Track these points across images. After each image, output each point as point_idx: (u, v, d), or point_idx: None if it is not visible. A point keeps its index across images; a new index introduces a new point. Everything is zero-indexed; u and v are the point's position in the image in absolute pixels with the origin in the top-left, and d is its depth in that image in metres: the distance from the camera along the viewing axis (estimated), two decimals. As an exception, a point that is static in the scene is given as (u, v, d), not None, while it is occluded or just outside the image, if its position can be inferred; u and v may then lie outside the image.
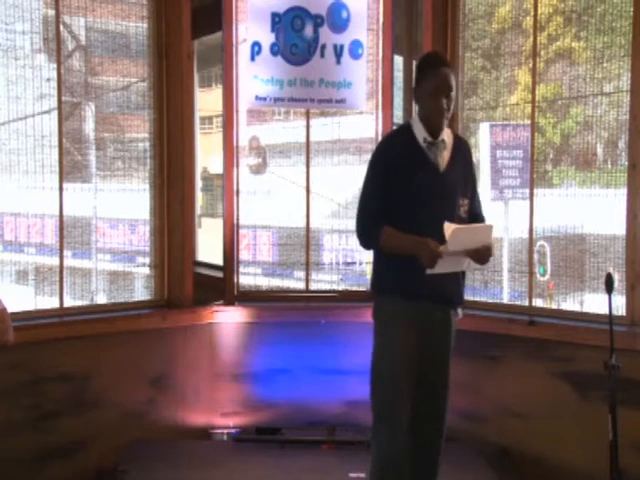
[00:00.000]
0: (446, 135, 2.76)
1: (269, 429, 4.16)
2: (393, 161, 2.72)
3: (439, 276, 2.62)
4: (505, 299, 4.22)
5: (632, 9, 3.58)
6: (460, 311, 2.86)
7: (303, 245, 4.45)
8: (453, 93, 2.71)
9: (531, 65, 3.95)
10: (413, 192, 2.68)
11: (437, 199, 2.70)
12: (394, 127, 4.40)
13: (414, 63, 4.43)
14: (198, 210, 4.43)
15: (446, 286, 2.72)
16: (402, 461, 2.71)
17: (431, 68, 2.71)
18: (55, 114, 3.88)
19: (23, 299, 3.96)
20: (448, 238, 2.56)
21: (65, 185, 3.92)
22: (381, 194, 2.72)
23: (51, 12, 3.88)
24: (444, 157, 2.74)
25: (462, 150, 2.83)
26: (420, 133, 2.73)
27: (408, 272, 2.68)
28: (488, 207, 4.48)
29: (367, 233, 2.76)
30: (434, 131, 2.73)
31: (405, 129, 2.80)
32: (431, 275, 2.61)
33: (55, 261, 3.95)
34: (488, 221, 2.90)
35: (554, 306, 4.05)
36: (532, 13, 3.94)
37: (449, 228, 2.57)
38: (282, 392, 4.21)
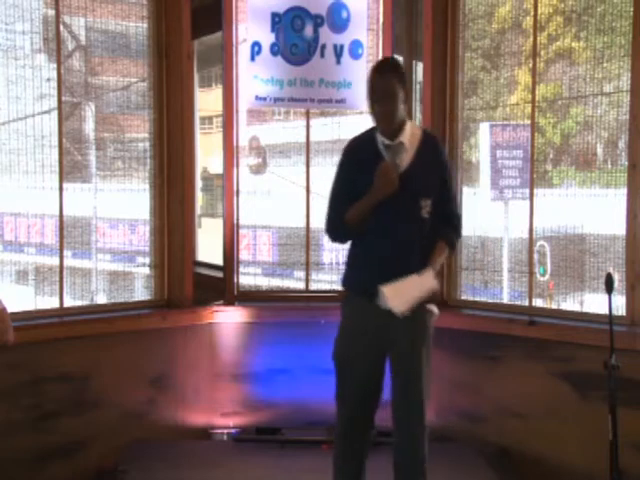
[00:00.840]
0: (407, 137, 2.76)
1: (269, 429, 4.16)
2: (354, 164, 2.83)
3: (399, 274, 2.67)
4: (505, 299, 4.22)
5: (632, 9, 3.58)
6: (434, 308, 2.83)
7: (303, 245, 4.45)
8: (399, 97, 2.71)
9: (531, 65, 3.95)
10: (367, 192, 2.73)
11: (393, 201, 2.70)
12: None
13: (414, 63, 4.45)
14: (198, 210, 4.43)
15: None
16: (347, 447, 2.86)
17: (374, 76, 2.77)
18: (55, 114, 3.88)
19: (23, 299, 3.96)
20: (388, 300, 2.65)
21: (65, 185, 3.92)
22: (345, 196, 2.80)
23: (51, 12, 3.88)
24: (403, 159, 2.75)
25: (429, 150, 2.82)
26: (379, 136, 2.78)
27: (369, 271, 2.78)
28: (488, 207, 4.52)
29: (333, 230, 2.88)
30: (391, 134, 2.75)
31: (369, 132, 2.86)
32: (390, 274, 2.67)
33: (55, 261, 3.95)
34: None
35: (554, 306, 4.05)
36: (532, 13, 3.94)
37: (383, 292, 2.66)
38: (282, 392, 4.21)
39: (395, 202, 2.69)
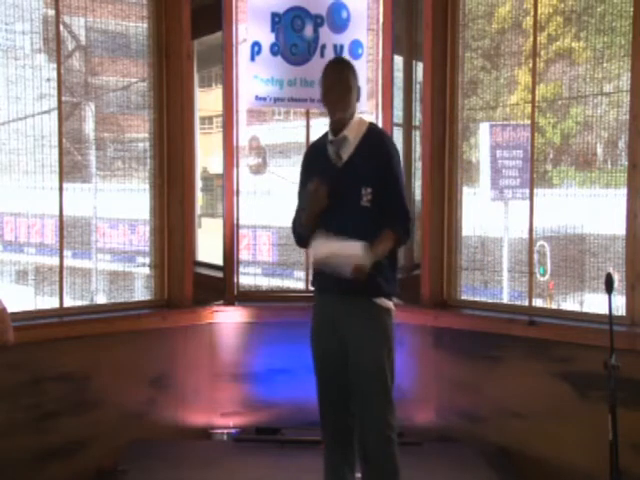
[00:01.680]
0: (353, 131, 2.85)
1: (269, 429, 4.16)
2: (306, 164, 3.05)
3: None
4: (505, 299, 4.22)
5: (632, 9, 3.58)
6: (385, 302, 2.83)
7: (303, 245, 4.45)
8: (346, 89, 2.83)
9: (531, 65, 3.95)
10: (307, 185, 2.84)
11: (332, 192, 2.77)
12: (394, 127, 4.41)
13: (414, 63, 4.45)
14: (198, 210, 4.42)
15: (347, 279, 2.71)
16: (330, 440, 2.94)
17: (325, 69, 2.93)
18: (55, 114, 3.88)
19: (23, 299, 3.96)
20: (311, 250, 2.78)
21: (65, 185, 3.92)
22: (301, 199, 2.95)
23: (51, 12, 3.88)
24: (345, 152, 2.85)
25: (372, 142, 2.87)
26: (329, 134, 2.91)
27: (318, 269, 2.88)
28: (488, 207, 4.52)
29: (294, 236, 3.02)
30: (336, 129, 2.86)
31: (324, 134, 2.98)
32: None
33: (55, 261, 3.95)
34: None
35: (554, 306, 4.05)
36: (532, 13, 3.94)
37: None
38: (282, 392, 4.21)
39: (336, 192, 2.77)
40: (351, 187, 2.80)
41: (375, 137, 2.91)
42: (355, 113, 2.89)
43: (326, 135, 2.95)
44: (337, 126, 2.86)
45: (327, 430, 2.94)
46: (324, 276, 2.78)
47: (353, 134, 2.85)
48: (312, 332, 2.98)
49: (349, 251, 2.66)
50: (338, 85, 2.84)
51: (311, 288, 4.41)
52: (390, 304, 2.86)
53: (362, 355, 2.79)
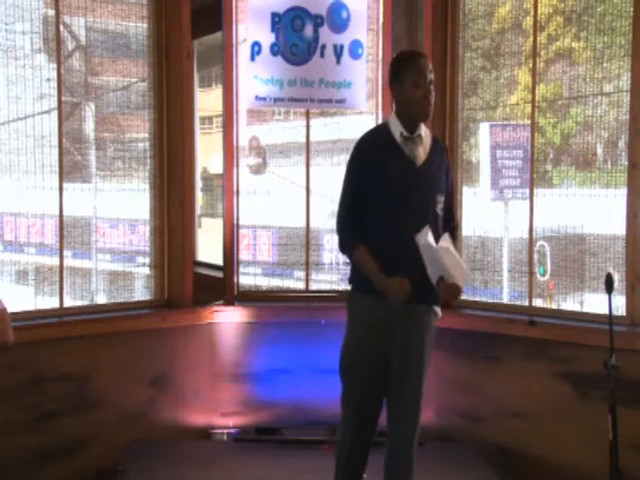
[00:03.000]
0: (423, 132, 2.76)
1: (269, 429, 4.16)
2: (368, 157, 2.74)
3: (412, 274, 2.61)
4: (505, 299, 4.21)
5: (632, 9, 3.58)
6: (439, 310, 2.83)
7: (303, 245, 4.45)
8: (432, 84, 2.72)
9: (531, 65, 3.95)
10: (387, 184, 2.69)
11: (412, 191, 2.68)
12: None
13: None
14: (198, 210, 4.43)
15: (416, 285, 2.66)
16: (354, 452, 2.84)
17: (411, 60, 2.73)
18: (55, 114, 3.88)
19: (23, 299, 3.96)
20: (441, 243, 2.60)
21: (65, 185, 3.92)
22: (358, 193, 2.74)
23: (51, 12, 3.88)
24: (420, 153, 2.73)
25: (439, 150, 2.82)
26: (397, 129, 2.73)
27: (392, 269, 2.67)
28: (488, 207, 4.52)
29: (343, 236, 2.78)
30: (412, 126, 2.72)
31: (381, 127, 2.85)
32: (405, 273, 2.61)
33: (55, 261, 3.95)
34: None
35: (554, 306, 4.05)
36: (532, 13, 3.94)
37: (446, 241, 2.62)
38: (282, 392, 4.21)
39: (411, 193, 2.67)
40: (429, 191, 2.73)
41: (440, 146, 2.86)
42: None
43: (385, 129, 2.77)
44: (415, 124, 2.73)
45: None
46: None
47: (425, 135, 2.76)
48: (356, 336, 2.81)
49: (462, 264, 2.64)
50: (431, 83, 2.70)
51: (312, 288, 4.46)
52: (439, 310, 2.84)
53: (416, 363, 2.75)
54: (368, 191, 2.71)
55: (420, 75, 2.69)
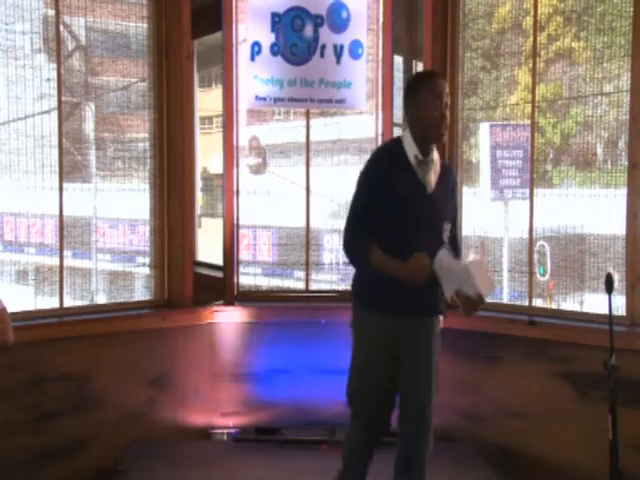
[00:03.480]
0: (435, 156, 2.74)
1: (269, 429, 4.16)
2: (382, 176, 2.68)
3: (415, 289, 2.61)
4: (505, 299, 4.21)
5: (632, 9, 3.58)
6: (442, 318, 2.88)
7: (303, 245, 4.45)
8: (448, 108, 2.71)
9: (531, 65, 3.95)
10: (400, 209, 2.66)
11: (423, 218, 2.68)
12: (394, 127, 4.41)
13: (414, 63, 4.46)
14: (198, 210, 4.43)
15: (423, 298, 2.71)
16: (361, 462, 2.89)
17: (429, 78, 2.74)
18: (55, 114, 3.88)
19: (23, 299, 3.96)
20: (471, 257, 2.67)
21: (65, 185, 3.92)
22: (369, 207, 2.70)
23: (51, 12, 3.88)
24: (432, 178, 2.71)
25: (447, 175, 2.80)
26: (411, 149, 2.70)
27: (384, 285, 2.69)
28: (488, 207, 4.52)
29: (355, 248, 2.73)
30: (426, 148, 2.69)
31: (396, 144, 2.77)
32: (416, 296, 2.65)
33: (55, 261, 3.95)
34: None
35: (554, 306, 4.05)
36: (532, 13, 3.94)
37: (477, 254, 2.64)
38: (282, 392, 4.21)
39: (423, 220, 2.67)
40: (438, 219, 2.71)
41: (449, 171, 2.85)
42: None
43: (400, 147, 2.73)
44: (428, 146, 2.70)
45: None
46: (403, 302, 2.69)
47: (436, 160, 2.74)
48: (366, 359, 2.81)
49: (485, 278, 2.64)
50: (446, 104, 2.68)
51: (312, 288, 4.46)
52: (442, 320, 2.90)
53: (425, 369, 2.80)
54: (378, 209, 2.68)
55: (437, 96, 2.66)
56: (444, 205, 2.75)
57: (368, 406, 2.83)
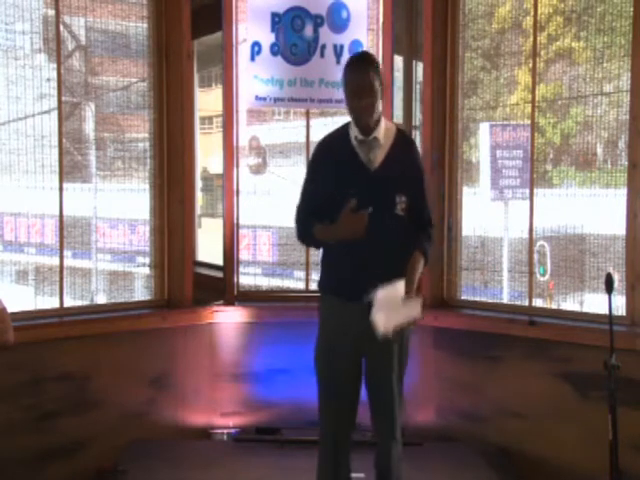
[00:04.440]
0: (382, 133, 2.72)
1: (269, 429, 4.16)
2: (326, 159, 2.77)
3: (373, 277, 2.59)
4: (505, 299, 4.21)
5: (632, 9, 3.58)
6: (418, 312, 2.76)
7: (303, 245, 4.45)
8: (377, 91, 2.65)
9: (531, 65, 3.95)
10: (340, 187, 2.67)
11: (367, 194, 2.64)
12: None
13: (414, 63, 4.46)
14: (198, 210, 4.43)
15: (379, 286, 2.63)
16: (334, 454, 2.84)
17: (348, 70, 2.72)
18: (55, 114, 3.88)
19: (23, 299, 3.96)
20: (378, 322, 2.55)
21: (65, 185, 3.92)
22: (314, 192, 2.77)
23: (51, 12, 3.88)
24: (377, 155, 2.71)
25: (403, 149, 2.78)
26: (353, 131, 2.73)
27: (342, 272, 2.72)
28: (488, 207, 4.53)
29: (300, 231, 2.80)
30: (365, 129, 2.69)
31: (343, 128, 2.80)
32: (366, 275, 2.62)
33: (55, 261, 3.95)
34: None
35: (554, 306, 4.05)
36: (532, 13, 3.94)
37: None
38: (282, 392, 4.21)
39: (370, 199, 2.62)
40: (386, 194, 2.69)
41: (406, 144, 2.82)
42: (381, 113, 2.74)
43: (345, 130, 2.77)
44: (366, 127, 2.70)
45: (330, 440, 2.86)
46: (355, 284, 2.66)
47: (383, 137, 2.72)
48: (326, 340, 2.83)
49: (413, 315, 2.59)
50: (364, 91, 2.64)
51: (312, 288, 4.45)
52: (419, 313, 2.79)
53: (388, 369, 2.75)
54: (324, 192, 2.72)
55: (353, 92, 2.67)
56: (394, 179, 2.70)
57: (333, 382, 2.80)
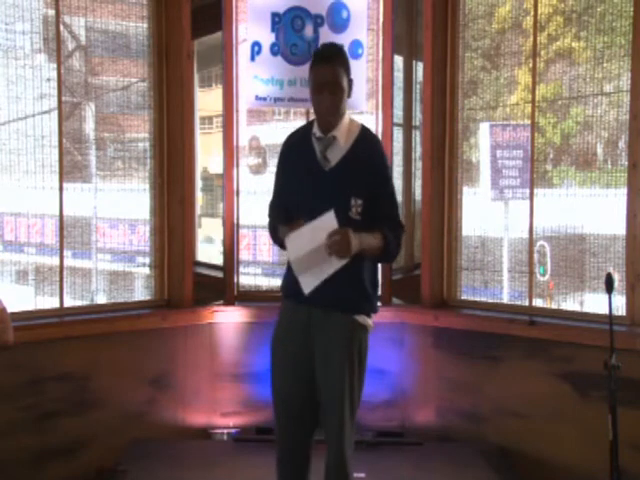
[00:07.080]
0: (343, 132, 2.59)
1: (269, 429, 4.14)
2: (288, 155, 2.72)
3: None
4: (505, 299, 4.22)
5: (632, 9, 3.58)
6: (367, 320, 2.65)
7: (303, 245, 4.44)
8: (340, 87, 2.54)
9: (531, 65, 3.95)
10: (294, 186, 2.64)
11: (319, 194, 2.56)
12: (394, 127, 4.41)
13: (414, 63, 4.45)
14: (198, 210, 4.42)
15: (330, 289, 2.54)
16: (288, 457, 2.85)
17: (312, 64, 2.61)
18: (55, 114, 3.88)
19: (23, 299, 3.96)
20: (287, 247, 2.49)
21: (65, 185, 3.92)
22: (280, 189, 2.75)
23: (51, 12, 3.88)
24: (336, 154, 2.58)
25: (365, 149, 2.61)
26: (316, 128, 2.62)
27: (293, 274, 2.62)
28: (488, 207, 4.52)
29: (270, 229, 2.80)
30: (326, 126, 2.59)
31: (308, 124, 2.72)
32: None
33: (55, 261, 3.95)
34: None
35: (554, 306, 4.05)
36: (532, 13, 3.94)
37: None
38: (282, 392, 4.20)
39: (322, 200, 2.50)
40: (340, 196, 2.53)
41: (368, 144, 2.65)
42: (345, 111, 2.61)
43: (310, 126, 2.67)
44: (325, 125, 2.59)
45: (285, 446, 2.82)
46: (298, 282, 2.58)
47: (343, 136, 2.59)
48: (276, 342, 2.80)
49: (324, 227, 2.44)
50: (327, 87, 2.53)
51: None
52: (370, 322, 2.66)
53: (332, 377, 2.61)
54: (287, 187, 2.70)
55: (315, 88, 2.56)
56: (349, 181, 2.55)
57: (283, 385, 2.81)
